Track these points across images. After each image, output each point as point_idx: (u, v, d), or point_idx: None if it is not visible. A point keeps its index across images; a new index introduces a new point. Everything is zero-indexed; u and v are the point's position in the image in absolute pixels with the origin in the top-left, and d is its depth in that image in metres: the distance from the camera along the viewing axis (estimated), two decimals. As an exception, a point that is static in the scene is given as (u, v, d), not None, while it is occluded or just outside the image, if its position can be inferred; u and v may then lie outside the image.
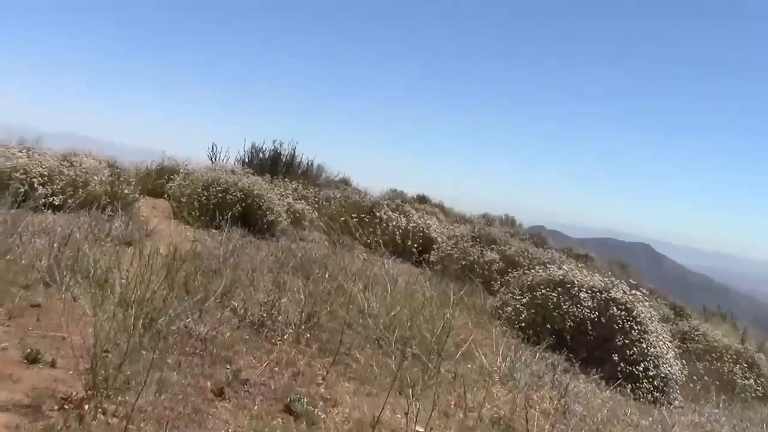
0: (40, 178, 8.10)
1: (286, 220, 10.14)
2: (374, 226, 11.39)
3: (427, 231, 11.17)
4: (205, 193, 9.38)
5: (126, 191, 8.76)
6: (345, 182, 21.58)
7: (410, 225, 11.09)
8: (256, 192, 9.72)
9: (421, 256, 10.95)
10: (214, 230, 9.30)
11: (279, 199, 10.43)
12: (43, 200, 8.01)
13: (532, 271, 8.60)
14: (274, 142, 20.67)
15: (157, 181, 11.90)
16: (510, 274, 9.79)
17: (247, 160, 20.69)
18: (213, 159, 22.06)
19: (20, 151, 11.05)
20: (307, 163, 20.94)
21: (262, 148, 20.74)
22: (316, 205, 12.97)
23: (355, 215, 11.84)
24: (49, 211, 8.02)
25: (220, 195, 9.39)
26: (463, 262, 9.87)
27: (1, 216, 6.67)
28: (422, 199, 27.11)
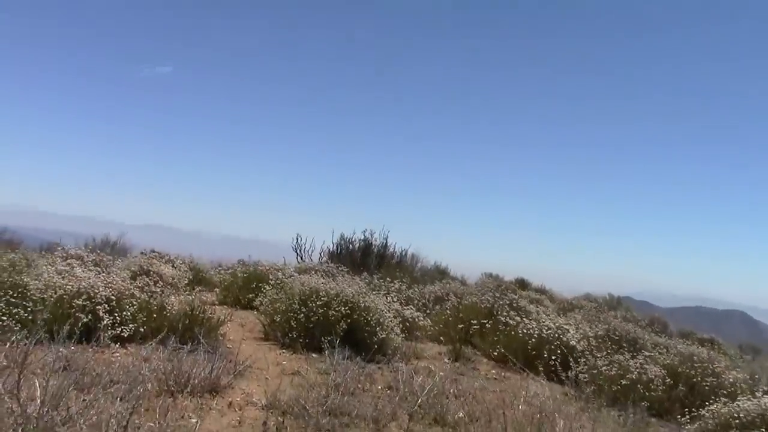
0: (105, 305, 6.58)
1: (399, 335, 8.30)
2: (498, 334, 9.43)
3: (564, 338, 9.15)
4: (303, 310, 7.66)
5: (209, 314, 7.14)
6: (442, 272, 19.72)
7: (545, 331, 9.10)
8: (363, 304, 7.95)
9: (555, 368, 8.91)
10: (314, 354, 7.56)
11: (385, 306, 8.64)
12: (110, 332, 6.49)
13: (734, 402, 6.44)
14: (364, 231, 19.17)
15: (244, 288, 10.31)
16: (689, 400, 7.67)
17: (337, 253, 19.19)
18: (298, 251, 20.74)
19: (95, 264, 9.76)
20: (401, 253, 19.28)
21: (351, 238, 19.25)
22: (425, 309, 11.10)
23: (474, 320, 9.92)
24: (117, 344, 6.48)
25: (320, 311, 7.66)
26: (623, 381, 7.76)
27: (58, 359, 5.18)
28: (522, 284, 24.90)
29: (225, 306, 10.19)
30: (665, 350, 12.00)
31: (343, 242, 19.23)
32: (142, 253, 24.84)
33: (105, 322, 6.44)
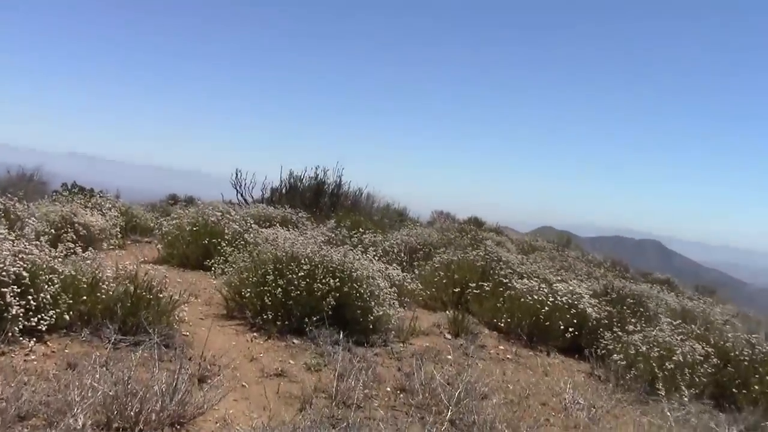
0: (15, 287, 4.72)
1: (397, 310, 6.71)
2: (503, 300, 7.98)
3: (578, 305, 7.77)
4: (281, 282, 5.96)
5: (160, 295, 5.36)
6: (401, 214, 18.16)
7: (559, 297, 7.68)
8: (354, 273, 6.30)
9: (570, 340, 7.56)
10: (295, 340, 5.92)
11: (373, 269, 7.01)
12: (21, 323, 4.70)
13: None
14: (316, 168, 17.34)
15: (193, 245, 8.47)
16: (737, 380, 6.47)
17: (285, 192, 17.36)
18: (237, 188, 18.80)
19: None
20: (356, 193, 17.59)
21: (301, 176, 17.41)
22: (406, 265, 9.52)
23: (470, 281, 8.43)
24: (32, 340, 4.72)
25: (302, 284, 5.98)
26: (668, 365, 6.43)
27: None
28: (477, 223, 23.66)
29: (170, 267, 8.37)
30: (667, 306, 10.91)
31: (292, 180, 17.39)
32: (63, 186, 22.45)
33: (14, 311, 4.61)
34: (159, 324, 5.22)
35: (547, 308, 7.59)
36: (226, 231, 8.29)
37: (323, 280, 6.05)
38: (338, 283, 6.09)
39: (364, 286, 6.30)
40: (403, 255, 9.82)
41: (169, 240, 8.57)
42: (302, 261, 6.21)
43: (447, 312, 8.01)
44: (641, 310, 9.15)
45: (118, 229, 9.50)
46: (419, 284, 8.26)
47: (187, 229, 8.47)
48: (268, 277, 6.00)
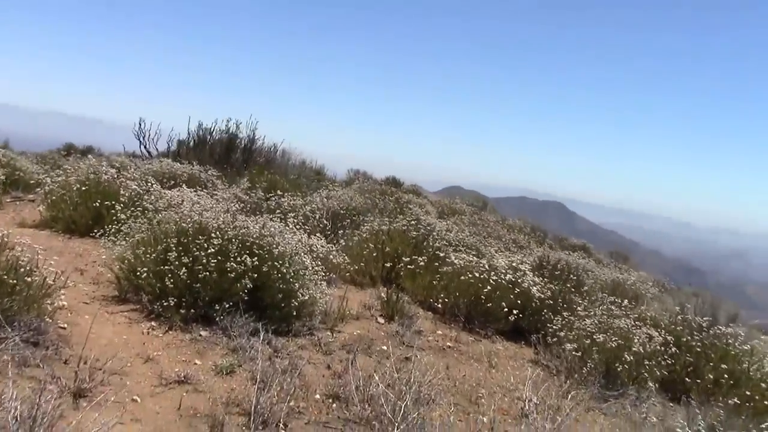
0: None
1: (324, 291, 5.75)
2: (439, 277, 7.16)
3: (522, 283, 7.04)
4: (185, 260, 4.89)
5: (28, 278, 4.19)
6: (318, 173, 17.05)
7: (502, 275, 6.92)
8: (276, 250, 5.30)
9: (512, 323, 6.84)
10: (202, 332, 4.89)
11: (296, 242, 6.01)
12: None
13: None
14: (227, 121, 15.93)
15: (82, 206, 7.20)
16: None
17: (192, 145, 15.93)
18: (141, 139, 17.23)
19: None
20: (270, 149, 16.34)
21: (211, 129, 15.98)
22: (329, 233, 8.55)
23: (403, 255, 7.56)
24: None
25: (212, 261, 4.92)
26: (627, 356, 5.75)
27: None
28: (395, 183, 22.83)
29: (53, 232, 7.10)
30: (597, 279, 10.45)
31: (201, 132, 15.95)
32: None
33: None
34: (27, 315, 4.10)
35: (489, 287, 6.82)
36: (123, 192, 7.04)
37: (238, 259, 5.01)
38: (256, 262, 5.07)
39: (287, 264, 5.30)
40: (325, 222, 8.82)
41: (53, 200, 7.25)
42: (213, 234, 5.13)
43: (377, 289, 7.14)
44: (580, 286, 8.55)
45: (-6, 184, 8.11)
46: (346, 257, 7.32)
47: (75, 188, 7.17)
48: (170, 254, 4.91)
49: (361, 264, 7.45)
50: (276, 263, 5.21)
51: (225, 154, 15.68)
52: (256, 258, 5.07)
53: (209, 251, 4.94)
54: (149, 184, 7.46)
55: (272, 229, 5.61)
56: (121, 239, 5.88)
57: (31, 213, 7.95)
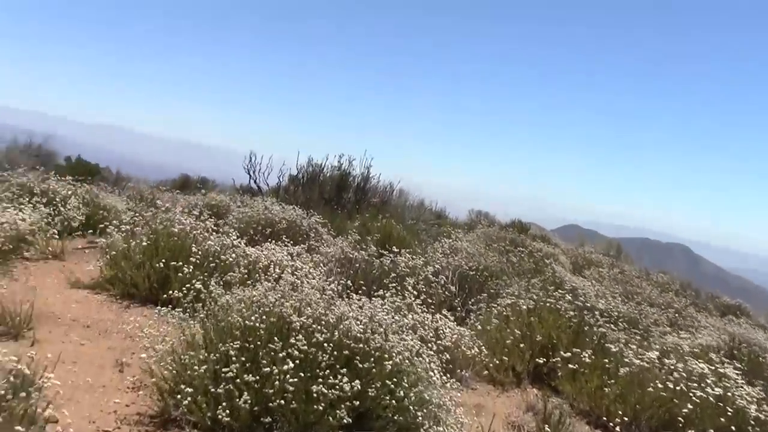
0: None
1: (456, 426, 3.85)
2: (604, 376, 5.12)
3: (732, 398, 4.92)
4: (252, 379, 3.14)
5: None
6: (439, 216, 15.23)
7: (706, 390, 4.82)
8: (389, 362, 3.47)
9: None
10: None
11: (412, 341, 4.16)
12: None
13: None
14: (340, 157, 14.45)
15: (145, 266, 5.65)
16: None
17: (301, 181, 14.54)
18: (251, 173, 16.08)
19: None
20: (386, 188, 14.69)
21: (321, 165, 14.54)
22: (457, 306, 6.65)
23: (558, 344, 5.57)
24: None
25: (291, 381, 3.14)
26: None
27: None
28: (521, 228, 20.63)
29: (110, 295, 5.60)
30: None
31: (310, 168, 14.53)
32: (66, 159, 19.99)
33: None
34: None
35: (690, 406, 4.72)
36: (195, 249, 5.44)
37: (334, 376, 3.22)
38: (360, 385, 3.26)
39: (405, 382, 3.47)
40: (453, 288, 6.93)
41: (114, 255, 5.76)
42: (294, 332, 3.37)
43: (524, 392, 5.19)
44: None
45: (55, 230, 6.79)
46: (480, 344, 5.40)
47: (137, 240, 5.66)
48: (226, 368, 3.18)
49: (503, 357, 5.49)
50: (390, 381, 3.38)
51: (336, 194, 14.20)
52: (357, 379, 3.25)
53: (287, 366, 3.17)
54: (230, 240, 5.82)
55: (384, 320, 3.80)
56: (191, 312, 4.22)
57: (96, 266, 6.54)
